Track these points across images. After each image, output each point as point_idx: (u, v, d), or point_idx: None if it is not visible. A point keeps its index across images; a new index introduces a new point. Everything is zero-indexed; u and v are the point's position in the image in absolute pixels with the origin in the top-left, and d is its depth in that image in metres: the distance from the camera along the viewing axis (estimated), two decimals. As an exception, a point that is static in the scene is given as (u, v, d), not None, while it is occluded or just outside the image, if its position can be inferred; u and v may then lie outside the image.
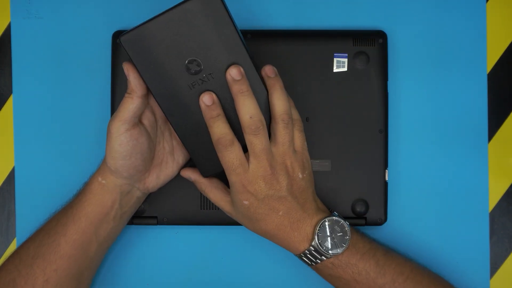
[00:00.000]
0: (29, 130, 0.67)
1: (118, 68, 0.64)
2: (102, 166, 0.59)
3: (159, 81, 0.56)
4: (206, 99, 0.55)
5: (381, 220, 0.64)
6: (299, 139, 0.58)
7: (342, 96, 0.64)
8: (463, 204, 0.67)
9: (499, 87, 0.67)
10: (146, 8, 0.67)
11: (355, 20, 0.67)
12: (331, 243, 0.58)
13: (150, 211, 0.64)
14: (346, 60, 0.64)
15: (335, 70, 0.64)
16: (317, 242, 0.57)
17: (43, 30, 0.67)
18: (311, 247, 0.58)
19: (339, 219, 0.58)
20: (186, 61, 0.55)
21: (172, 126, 0.58)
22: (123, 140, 0.56)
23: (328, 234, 0.58)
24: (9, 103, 0.67)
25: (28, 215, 0.66)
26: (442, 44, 0.67)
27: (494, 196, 0.67)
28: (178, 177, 0.63)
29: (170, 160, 0.61)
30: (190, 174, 0.61)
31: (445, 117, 0.66)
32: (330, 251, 0.58)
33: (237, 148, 0.56)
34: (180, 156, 0.61)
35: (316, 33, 0.65)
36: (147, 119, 0.58)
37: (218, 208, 0.64)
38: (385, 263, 0.59)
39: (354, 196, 0.64)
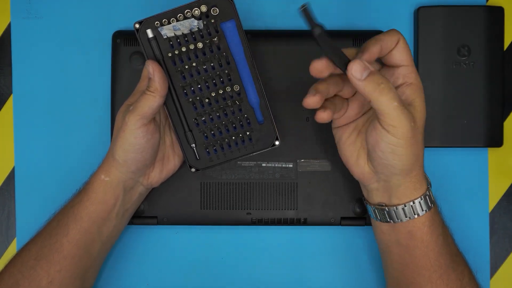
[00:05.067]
0: (29, 130, 0.67)
1: (118, 68, 0.64)
2: (105, 163, 0.59)
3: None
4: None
5: (381, 220, 0.64)
6: None
7: (342, 96, 0.64)
8: (463, 204, 0.67)
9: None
10: (146, 8, 0.67)
11: (355, 20, 0.67)
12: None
13: (150, 211, 0.64)
14: (346, 60, 0.64)
15: (335, 70, 0.64)
16: (430, 190, 0.56)
17: (43, 30, 0.67)
18: (427, 192, 0.55)
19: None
20: None
21: (171, 122, 0.59)
22: (139, 134, 0.55)
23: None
24: (9, 103, 0.67)
25: (28, 215, 0.66)
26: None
27: (494, 196, 0.67)
28: (178, 177, 0.63)
29: (171, 154, 0.61)
30: None
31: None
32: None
33: None
34: (180, 149, 0.61)
35: (316, 33, 0.64)
36: (158, 116, 0.59)
37: (218, 208, 0.64)
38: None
39: (354, 196, 0.64)
